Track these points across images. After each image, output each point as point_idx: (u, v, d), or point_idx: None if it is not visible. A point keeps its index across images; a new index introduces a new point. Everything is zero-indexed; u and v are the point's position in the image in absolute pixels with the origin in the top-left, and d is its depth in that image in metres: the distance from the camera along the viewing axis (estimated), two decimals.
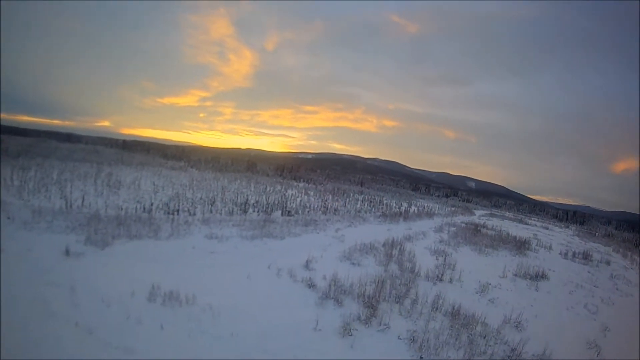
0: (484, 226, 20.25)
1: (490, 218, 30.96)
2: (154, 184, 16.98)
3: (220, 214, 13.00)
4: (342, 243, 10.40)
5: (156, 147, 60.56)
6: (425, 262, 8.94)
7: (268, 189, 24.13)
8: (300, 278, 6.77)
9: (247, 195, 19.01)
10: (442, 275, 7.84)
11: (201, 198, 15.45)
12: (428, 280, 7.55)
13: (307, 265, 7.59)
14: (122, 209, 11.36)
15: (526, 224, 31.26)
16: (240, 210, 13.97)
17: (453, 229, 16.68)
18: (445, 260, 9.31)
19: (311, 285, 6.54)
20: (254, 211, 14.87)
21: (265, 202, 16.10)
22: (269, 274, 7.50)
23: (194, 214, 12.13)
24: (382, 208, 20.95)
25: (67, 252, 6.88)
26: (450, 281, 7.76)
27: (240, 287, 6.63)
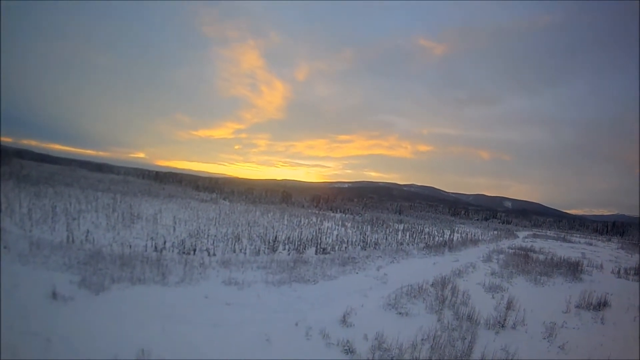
0: (531, 250, 20.50)
1: (535, 239, 31.52)
2: (174, 218, 16.72)
3: (245, 253, 12.17)
4: (385, 285, 9.79)
5: (190, 178, 62.97)
6: (482, 302, 8.44)
7: (302, 222, 23.44)
8: (336, 340, 5.92)
9: (278, 230, 18.23)
10: (505, 320, 7.28)
11: (225, 234, 14.84)
12: (489, 329, 6.98)
13: (344, 320, 6.72)
14: (130, 246, 10.92)
15: (570, 242, 32.85)
16: (268, 248, 13.09)
17: (501, 256, 16.63)
18: (502, 298, 8.91)
19: (349, 350, 5.57)
20: (284, 249, 13.94)
21: (297, 238, 15.17)
22: (296, 335, 6.36)
23: (214, 254, 11.39)
24: (424, 238, 20.69)
25: (54, 295, 6.29)
26: (514, 326, 7.20)
27: (256, 355, 5.56)
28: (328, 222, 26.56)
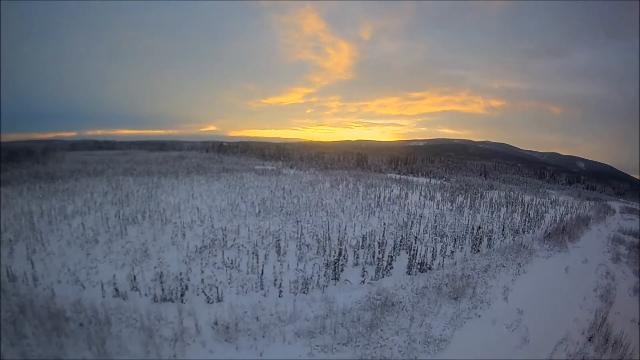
0: None
1: (631, 216, 28.44)
2: (198, 211, 12.11)
3: (281, 288, 6.81)
4: (527, 347, 5.93)
5: (260, 146, 59.99)
6: None
7: (381, 196, 17.89)
8: None
9: (349, 218, 12.85)
10: None
11: (264, 235, 9.81)
12: None
13: None
14: (84, 286, 6.49)
15: None
16: (327, 269, 7.63)
17: (624, 250, 14.41)
18: None
19: None
20: (355, 264, 8.48)
21: (378, 235, 9.69)
22: None
23: (218, 299, 6.23)
24: (533, 217, 18.09)
25: None
26: None
27: None
28: (413, 192, 21.91)
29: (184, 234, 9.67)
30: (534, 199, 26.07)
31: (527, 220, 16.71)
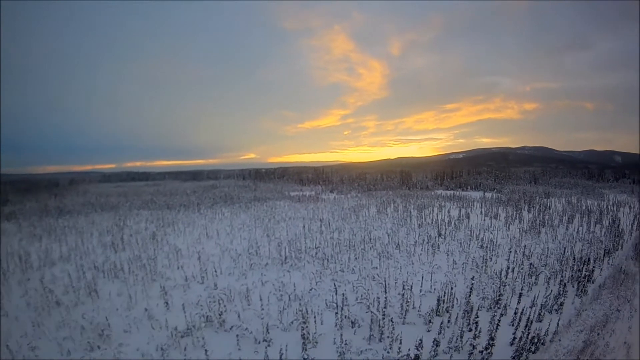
0: None
1: None
2: (199, 262, 9.18)
3: None
4: None
5: (298, 171, 58.20)
6: None
7: (439, 219, 15.83)
8: None
9: (409, 260, 9.57)
10: None
11: (285, 302, 6.72)
12: None
13: None
14: None
15: None
16: None
17: None
18: None
19: None
20: (434, 355, 5.14)
21: (460, 293, 6.51)
22: None
23: None
24: (605, 225, 17.25)
25: None
26: None
27: None
28: (472, 211, 20.16)
29: (167, 303, 6.76)
30: (596, 202, 24.81)
31: (608, 233, 15.38)
